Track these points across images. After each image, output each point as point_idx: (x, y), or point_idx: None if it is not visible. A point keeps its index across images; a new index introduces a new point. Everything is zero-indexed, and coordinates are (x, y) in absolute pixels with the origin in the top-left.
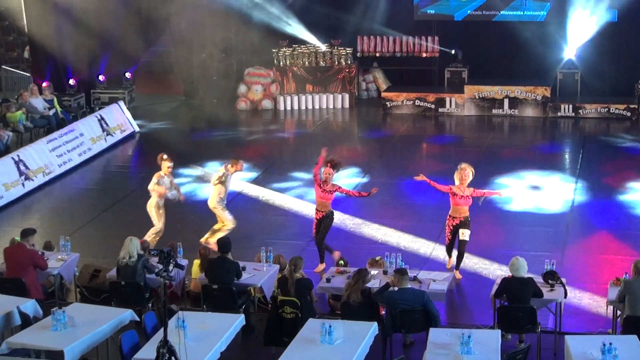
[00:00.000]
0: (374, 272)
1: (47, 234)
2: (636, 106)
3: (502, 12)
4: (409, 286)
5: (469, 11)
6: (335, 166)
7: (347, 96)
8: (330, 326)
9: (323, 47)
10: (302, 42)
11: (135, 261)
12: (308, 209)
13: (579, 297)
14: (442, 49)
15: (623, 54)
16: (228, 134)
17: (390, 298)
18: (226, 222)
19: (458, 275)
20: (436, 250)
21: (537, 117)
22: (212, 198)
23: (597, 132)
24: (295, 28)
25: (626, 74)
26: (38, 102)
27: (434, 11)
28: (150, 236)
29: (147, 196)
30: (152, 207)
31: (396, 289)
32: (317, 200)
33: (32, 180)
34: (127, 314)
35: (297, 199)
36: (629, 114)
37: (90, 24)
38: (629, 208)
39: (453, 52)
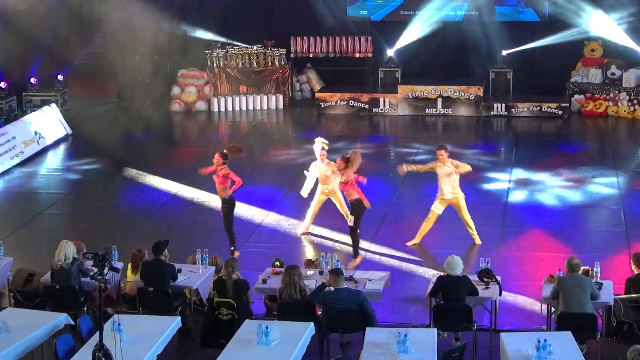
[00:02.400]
0: (309, 272)
1: None
2: (567, 105)
3: (419, 12)
4: (345, 286)
5: (387, 12)
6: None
7: (281, 97)
8: (266, 327)
9: (256, 49)
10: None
11: (70, 264)
12: (243, 210)
13: (514, 295)
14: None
15: (554, 53)
16: (161, 136)
17: (327, 298)
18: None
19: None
20: (372, 250)
21: (470, 117)
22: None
23: (529, 131)
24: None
25: (557, 72)
26: None
27: (354, 14)
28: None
29: (80, 199)
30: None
31: (332, 289)
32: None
33: None
34: (61, 318)
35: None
36: (560, 112)
37: (22, 26)
38: (562, 205)
39: (389, 55)
